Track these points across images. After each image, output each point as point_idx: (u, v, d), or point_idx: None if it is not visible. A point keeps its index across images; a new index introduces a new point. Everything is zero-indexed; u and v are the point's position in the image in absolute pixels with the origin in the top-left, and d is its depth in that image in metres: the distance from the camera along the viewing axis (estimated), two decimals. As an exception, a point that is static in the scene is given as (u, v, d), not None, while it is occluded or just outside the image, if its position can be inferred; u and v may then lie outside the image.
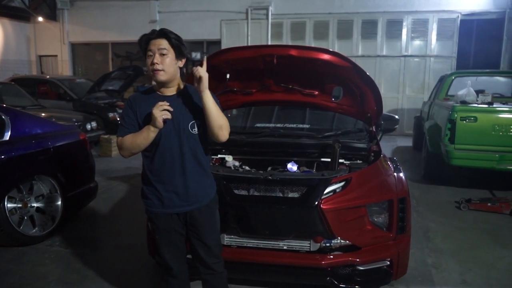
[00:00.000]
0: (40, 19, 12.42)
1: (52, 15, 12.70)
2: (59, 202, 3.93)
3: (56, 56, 13.11)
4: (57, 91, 9.42)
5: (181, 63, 2.07)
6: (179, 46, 2.03)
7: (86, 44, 13.01)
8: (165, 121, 1.96)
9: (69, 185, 4.03)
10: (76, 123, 7.00)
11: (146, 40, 2.03)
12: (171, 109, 1.96)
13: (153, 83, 2.18)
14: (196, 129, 2.08)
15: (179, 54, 2.04)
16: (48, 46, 13.05)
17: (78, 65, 13.37)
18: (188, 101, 2.09)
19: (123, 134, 2.07)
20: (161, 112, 1.93)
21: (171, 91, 2.10)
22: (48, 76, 10.34)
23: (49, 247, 3.71)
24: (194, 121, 2.07)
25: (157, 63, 1.97)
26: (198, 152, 2.12)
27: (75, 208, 4.26)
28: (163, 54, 1.99)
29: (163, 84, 2.07)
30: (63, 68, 13.06)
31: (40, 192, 3.89)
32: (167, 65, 1.99)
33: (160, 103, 1.94)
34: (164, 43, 1.99)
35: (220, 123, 2.02)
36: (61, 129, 4.27)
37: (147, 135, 1.98)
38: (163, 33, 2.01)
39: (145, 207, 2.21)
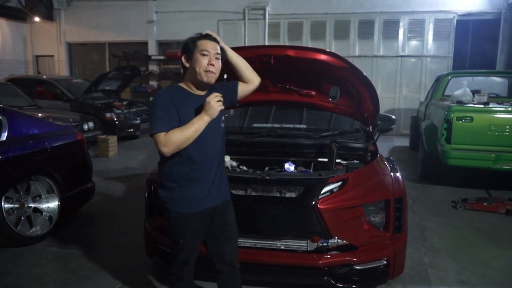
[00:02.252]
0: (37, 19, 12.38)
1: (48, 15, 12.66)
2: (56, 203, 3.93)
3: (52, 56, 13.07)
4: (54, 91, 9.40)
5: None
6: (224, 56, 2.14)
7: (83, 44, 12.98)
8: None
9: (66, 186, 4.03)
10: (73, 124, 6.98)
11: (197, 38, 2.07)
12: (222, 100, 2.01)
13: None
14: (223, 123, 2.18)
15: (222, 61, 2.12)
16: (44, 46, 13.01)
17: (75, 65, 13.34)
18: None
19: (168, 128, 1.96)
20: (218, 102, 1.96)
21: (204, 91, 2.12)
22: (44, 76, 10.31)
23: (46, 247, 3.70)
24: (222, 115, 2.16)
25: (213, 65, 2.02)
26: (222, 146, 2.21)
27: (72, 208, 4.25)
28: (217, 58, 2.05)
29: (206, 86, 2.09)
30: (60, 68, 13.03)
31: (37, 192, 3.88)
32: (217, 69, 2.06)
33: (216, 94, 1.99)
34: (218, 48, 2.07)
35: (249, 66, 2.26)
36: (58, 130, 4.26)
37: (199, 126, 1.96)
38: (216, 40, 2.09)
39: (171, 210, 2.11)
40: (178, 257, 2.21)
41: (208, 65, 2.01)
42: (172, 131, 1.95)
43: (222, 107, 2.00)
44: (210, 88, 2.14)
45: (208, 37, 2.07)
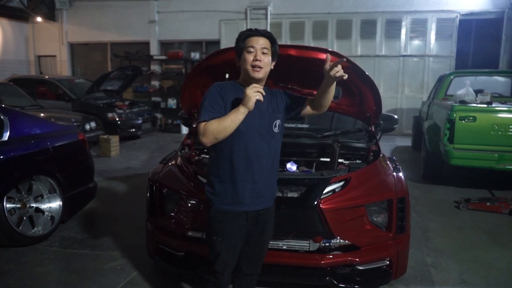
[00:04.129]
0: (39, 19, 12.39)
1: (50, 15, 12.67)
2: (58, 202, 3.93)
3: (55, 56, 13.08)
4: (56, 91, 9.42)
5: (272, 65, 2.10)
6: (276, 49, 2.09)
7: (85, 44, 12.99)
8: (250, 112, 1.92)
9: (68, 185, 4.03)
10: (75, 123, 6.99)
11: (246, 36, 2.05)
12: (264, 93, 1.93)
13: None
14: (277, 128, 2.11)
15: (274, 57, 2.08)
16: (46, 46, 13.02)
17: (77, 65, 13.35)
18: (272, 101, 2.13)
19: (209, 118, 1.95)
20: (255, 93, 1.89)
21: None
22: (47, 76, 10.32)
23: (48, 247, 3.70)
24: (277, 120, 2.11)
25: (259, 60, 1.99)
26: (276, 151, 2.15)
27: (74, 208, 4.25)
28: (264, 53, 2.02)
29: (256, 82, 2.02)
30: (62, 68, 13.04)
31: (39, 192, 3.88)
32: (265, 63, 2.02)
33: (254, 84, 1.92)
34: (266, 43, 2.03)
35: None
36: (60, 129, 4.26)
37: (236, 117, 1.91)
38: (266, 34, 2.06)
39: (213, 205, 2.10)
40: (215, 262, 2.14)
41: (254, 60, 1.99)
42: (212, 121, 1.94)
43: (261, 98, 1.90)
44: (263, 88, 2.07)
45: (255, 33, 2.05)
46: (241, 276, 2.27)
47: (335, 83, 2.05)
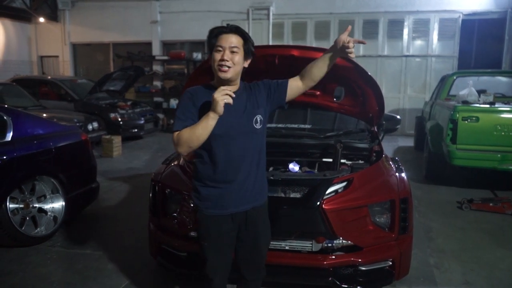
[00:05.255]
0: (41, 19, 12.42)
1: (53, 16, 12.71)
2: (61, 203, 3.94)
3: (57, 56, 13.11)
4: (58, 92, 9.43)
5: (247, 64, 2.02)
6: (250, 46, 1.98)
7: (87, 44, 13.01)
8: (225, 113, 1.84)
9: (71, 186, 4.03)
10: (77, 124, 7.01)
11: (216, 33, 1.95)
12: (233, 95, 1.83)
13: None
14: (259, 123, 2.03)
15: (247, 54, 1.99)
16: (49, 46, 13.06)
17: (79, 66, 13.38)
18: (251, 96, 2.05)
19: (181, 127, 1.91)
20: (223, 96, 1.80)
21: (232, 88, 1.97)
22: (49, 77, 10.35)
23: (51, 247, 3.71)
24: (257, 115, 2.02)
25: (226, 60, 1.90)
26: (262, 147, 2.09)
27: (77, 208, 4.26)
28: (234, 52, 1.92)
29: (226, 82, 1.96)
30: (64, 68, 13.07)
31: (42, 192, 3.89)
32: (235, 62, 1.93)
33: (222, 87, 1.84)
34: (237, 41, 1.94)
35: None
36: (62, 130, 4.27)
37: (206, 123, 1.84)
38: (238, 31, 1.96)
39: (199, 210, 2.07)
40: (206, 264, 2.11)
41: (221, 60, 1.91)
42: (184, 130, 1.89)
43: (230, 101, 1.81)
44: (239, 86, 2.02)
45: (225, 29, 1.95)
46: (245, 282, 2.25)
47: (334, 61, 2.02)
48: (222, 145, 1.96)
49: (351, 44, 1.91)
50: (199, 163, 2.04)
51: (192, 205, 2.80)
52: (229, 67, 1.91)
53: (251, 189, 2.05)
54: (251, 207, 2.07)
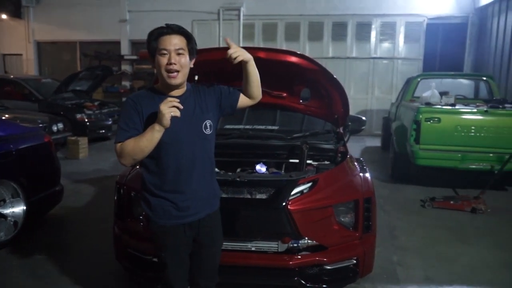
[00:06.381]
0: (4, 16, 11.98)
1: (16, 12, 12.26)
2: (22, 207, 3.81)
3: (21, 55, 12.68)
4: (21, 91, 9.11)
5: (192, 64, 1.93)
6: (193, 45, 1.91)
7: (53, 43, 12.64)
8: (172, 119, 1.75)
9: (33, 189, 3.91)
10: (41, 125, 6.79)
11: (157, 35, 1.84)
12: (181, 107, 1.75)
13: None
14: (208, 129, 1.96)
15: (192, 55, 1.91)
16: (12, 44, 12.61)
17: (44, 65, 12.97)
18: (198, 101, 1.97)
19: (124, 138, 1.81)
20: (170, 108, 1.72)
21: (179, 92, 1.92)
22: (12, 76, 10.00)
23: (11, 254, 3.58)
24: (206, 121, 1.95)
25: (174, 63, 1.81)
26: (211, 153, 2.04)
27: (39, 212, 4.13)
28: (180, 54, 1.83)
29: (175, 87, 1.88)
30: (28, 67, 12.64)
31: (1, 197, 3.75)
32: (183, 65, 1.84)
33: (169, 98, 1.75)
34: (181, 42, 1.84)
35: (259, 83, 2.06)
36: (24, 132, 4.13)
37: (151, 136, 1.76)
38: (180, 31, 1.86)
39: (151, 221, 1.97)
40: (165, 274, 2.06)
41: (168, 64, 1.82)
42: (127, 142, 1.80)
43: (177, 113, 1.74)
44: (186, 88, 1.95)
45: (167, 31, 1.84)
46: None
47: (254, 69, 2.00)
48: (171, 153, 1.88)
49: (232, 56, 1.89)
50: (145, 172, 1.95)
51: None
52: (177, 71, 1.83)
53: (206, 196, 2.01)
54: (205, 214, 2.02)
